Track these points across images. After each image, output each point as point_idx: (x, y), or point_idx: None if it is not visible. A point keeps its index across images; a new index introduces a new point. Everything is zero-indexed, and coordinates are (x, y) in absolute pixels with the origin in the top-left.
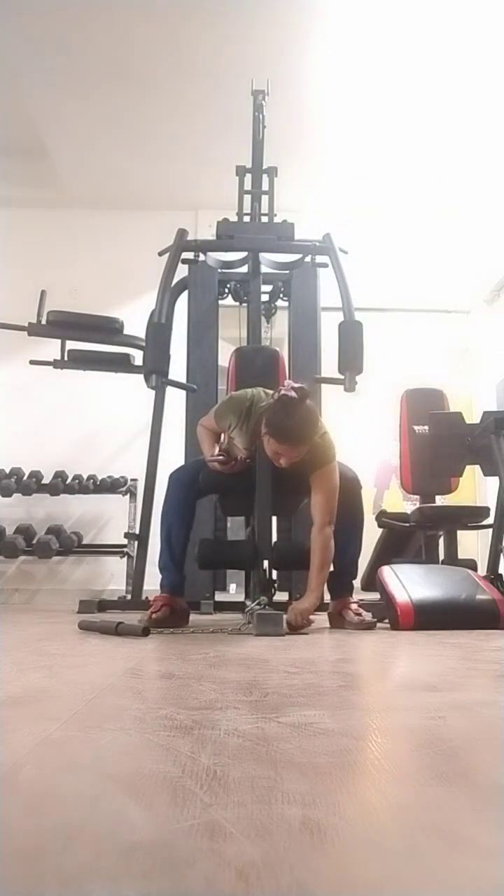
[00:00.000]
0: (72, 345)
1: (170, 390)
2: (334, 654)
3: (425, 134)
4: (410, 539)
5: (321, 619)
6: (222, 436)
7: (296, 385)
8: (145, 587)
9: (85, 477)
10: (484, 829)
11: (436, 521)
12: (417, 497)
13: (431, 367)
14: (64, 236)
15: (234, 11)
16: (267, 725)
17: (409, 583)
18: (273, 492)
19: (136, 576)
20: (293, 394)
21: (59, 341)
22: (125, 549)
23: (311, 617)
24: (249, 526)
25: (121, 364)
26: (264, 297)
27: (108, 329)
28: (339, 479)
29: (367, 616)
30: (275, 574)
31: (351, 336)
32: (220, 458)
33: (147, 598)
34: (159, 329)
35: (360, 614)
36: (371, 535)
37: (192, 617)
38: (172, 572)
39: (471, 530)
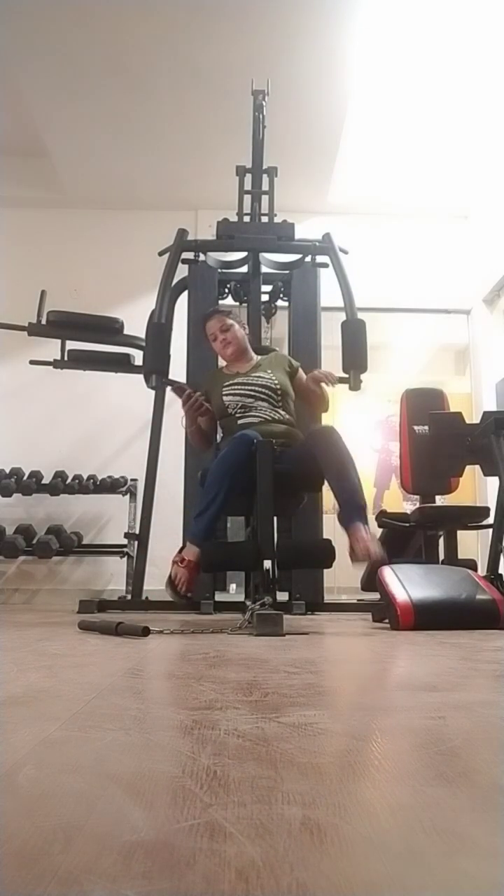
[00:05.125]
0: (72, 345)
1: (170, 390)
2: (334, 654)
3: (428, 135)
4: (410, 539)
5: (321, 618)
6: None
7: None
8: (145, 587)
9: (85, 477)
10: (484, 829)
11: (436, 521)
12: (417, 497)
13: (431, 367)
14: (64, 236)
15: (234, 11)
16: (267, 725)
17: (409, 583)
18: (273, 492)
19: (136, 576)
20: None
21: (59, 341)
22: (125, 549)
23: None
24: (250, 526)
25: (121, 364)
26: (264, 297)
27: (108, 329)
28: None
29: (372, 546)
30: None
31: (354, 335)
32: (181, 384)
33: (147, 597)
34: (159, 329)
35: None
36: None
37: (192, 617)
38: (210, 520)
39: (471, 530)
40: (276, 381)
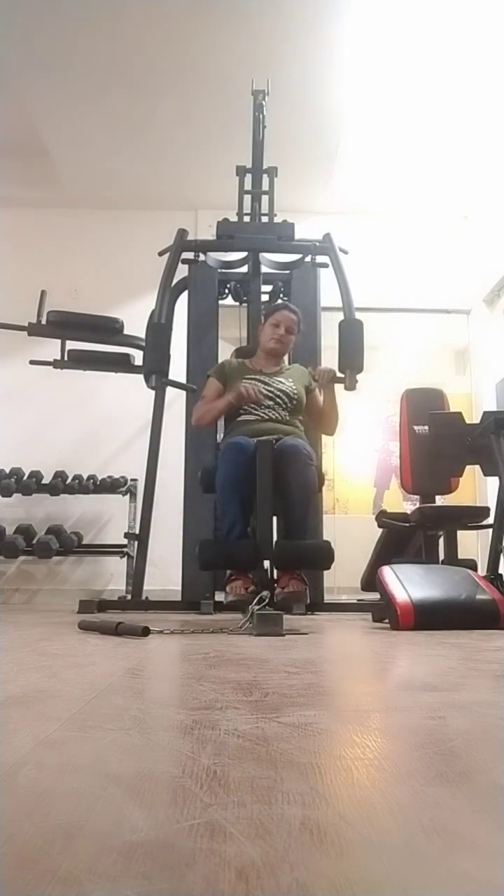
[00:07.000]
0: (72, 345)
1: (170, 390)
2: (334, 654)
3: (428, 135)
4: (410, 539)
5: (321, 618)
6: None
7: None
8: (145, 587)
9: (85, 477)
10: (484, 829)
11: (436, 521)
12: (417, 497)
13: (431, 367)
14: (64, 236)
15: (234, 11)
16: (267, 725)
17: (409, 583)
18: (273, 491)
19: (136, 576)
20: None
21: (59, 341)
22: (125, 549)
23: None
24: (250, 526)
25: (121, 364)
26: (264, 297)
27: (108, 329)
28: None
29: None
30: (275, 573)
31: (351, 334)
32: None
33: (147, 597)
34: (159, 329)
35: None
36: (371, 535)
37: (192, 617)
38: (242, 525)
39: (471, 530)
40: (295, 391)
